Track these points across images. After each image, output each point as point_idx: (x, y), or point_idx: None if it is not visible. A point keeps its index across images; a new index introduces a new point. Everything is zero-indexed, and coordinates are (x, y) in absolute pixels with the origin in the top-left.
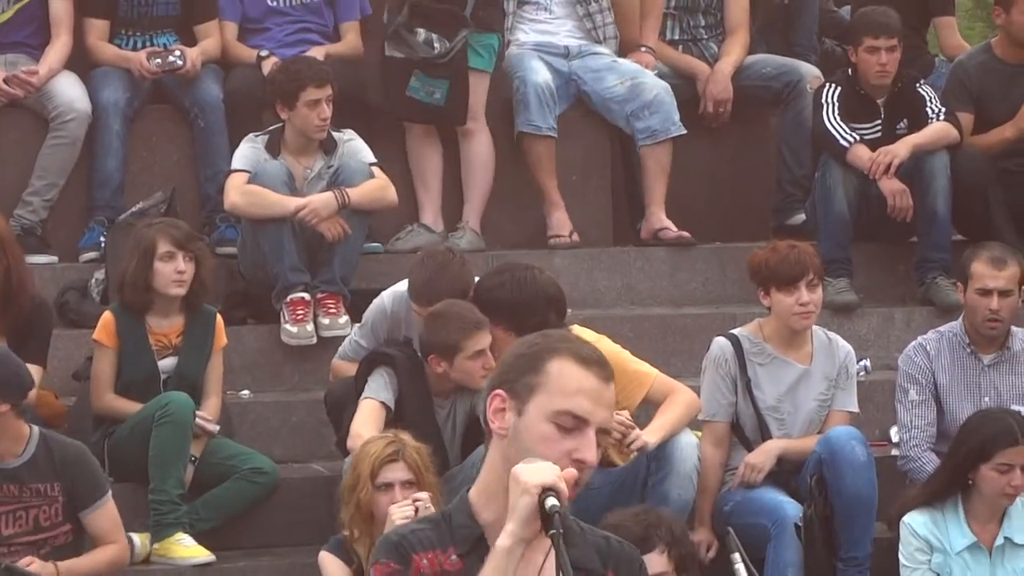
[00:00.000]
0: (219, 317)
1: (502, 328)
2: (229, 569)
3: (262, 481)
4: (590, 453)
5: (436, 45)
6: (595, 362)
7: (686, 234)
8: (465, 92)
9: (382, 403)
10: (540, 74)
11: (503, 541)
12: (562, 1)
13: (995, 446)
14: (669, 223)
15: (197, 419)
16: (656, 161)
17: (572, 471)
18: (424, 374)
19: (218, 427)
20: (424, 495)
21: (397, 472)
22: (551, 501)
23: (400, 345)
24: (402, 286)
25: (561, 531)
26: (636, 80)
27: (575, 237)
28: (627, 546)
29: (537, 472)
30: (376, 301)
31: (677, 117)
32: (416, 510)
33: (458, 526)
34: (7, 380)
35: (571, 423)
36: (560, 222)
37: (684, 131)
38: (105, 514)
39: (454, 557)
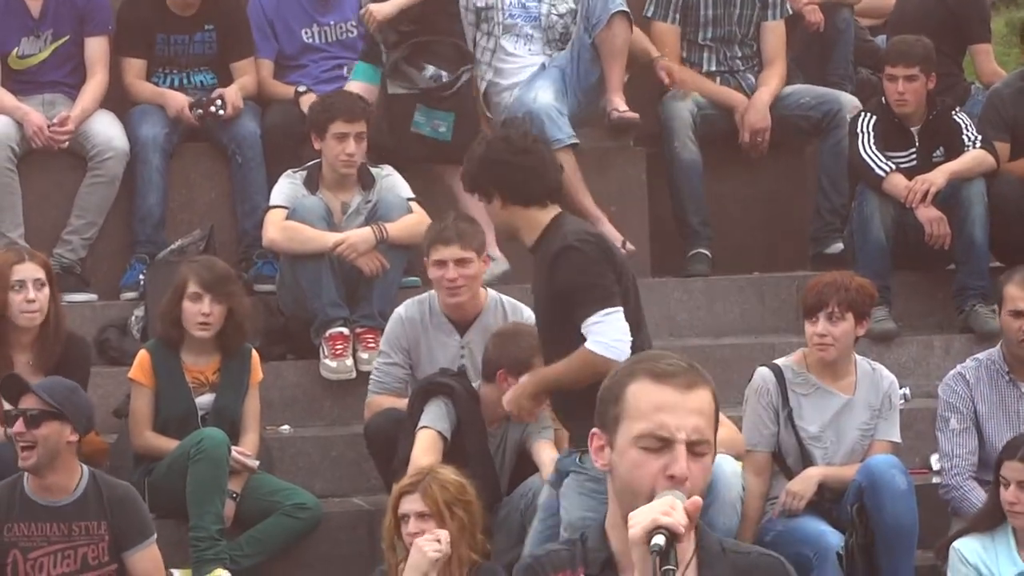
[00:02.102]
0: (255, 353)
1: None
2: None
3: (305, 516)
4: (679, 467)
5: (443, 77)
6: (673, 374)
7: (633, 114)
8: (472, 126)
9: (439, 433)
10: (540, 96)
11: None
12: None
13: (1001, 459)
14: (620, 104)
15: (236, 454)
16: (608, 47)
17: (696, 500)
18: (478, 404)
19: (258, 462)
20: (443, 532)
21: (411, 504)
22: (654, 540)
23: (456, 376)
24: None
25: (675, 568)
26: None
27: (629, 246)
28: (770, 557)
29: (640, 519)
30: (393, 317)
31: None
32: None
33: (591, 549)
34: (79, 410)
35: (656, 444)
36: (611, 234)
37: (625, 8)
38: (148, 556)
39: None
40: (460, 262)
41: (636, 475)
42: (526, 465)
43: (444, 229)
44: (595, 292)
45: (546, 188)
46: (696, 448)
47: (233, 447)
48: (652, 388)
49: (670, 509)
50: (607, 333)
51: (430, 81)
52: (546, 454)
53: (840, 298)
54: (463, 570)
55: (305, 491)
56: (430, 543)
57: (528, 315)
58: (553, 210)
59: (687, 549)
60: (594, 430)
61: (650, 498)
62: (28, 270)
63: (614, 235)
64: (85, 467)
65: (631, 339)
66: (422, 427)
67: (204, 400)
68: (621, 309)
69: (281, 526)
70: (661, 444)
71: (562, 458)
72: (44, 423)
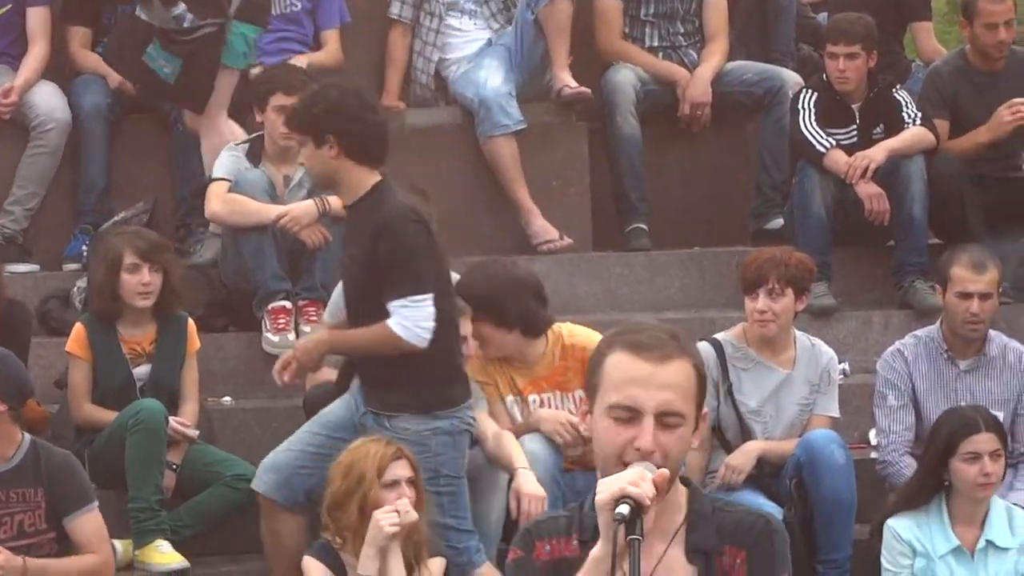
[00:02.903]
0: (191, 322)
1: (487, 323)
2: (210, 575)
3: (244, 488)
4: (644, 440)
5: (186, 22)
6: (649, 346)
7: (585, 89)
8: (204, 80)
9: None
10: (491, 80)
11: (594, 553)
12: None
13: (959, 436)
14: (569, 80)
15: (175, 424)
16: (552, 23)
17: (664, 472)
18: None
19: (197, 432)
20: (405, 501)
21: (403, 469)
22: (618, 509)
23: None
24: None
25: (640, 538)
26: None
27: (567, 239)
28: (759, 518)
29: (608, 486)
30: (336, 289)
31: None
32: (398, 513)
33: (587, 515)
34: (7, 380)
35: (625, 415)
36: (545, 228)
37: None
38: (88, 523)
39: (575, 543)
40: None
41: (607, 443)
42: None
43: None
44: (412, 275)
45: (383, 152)
46: (666, 420)
47: (172, 418)
48: (627, 360)
49: (639, 480)
50: (413, 318)
51: (172, 20)
52: (483, 424)
53: (780, 274)
54: (415, 539)
55: (245, 462)
56: (387, 516)
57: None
58: (377, 176)
59: (650, 519)
60: (583, 396)
61: (622, 467)
62: None
63: (547, 229)
64: (27, 436)
65: (434, 325)
66: None
67: (141, 371)
68: (432, 296)
69: (221, 497)
70: (630, 415)
71: (370, 426)
72: None
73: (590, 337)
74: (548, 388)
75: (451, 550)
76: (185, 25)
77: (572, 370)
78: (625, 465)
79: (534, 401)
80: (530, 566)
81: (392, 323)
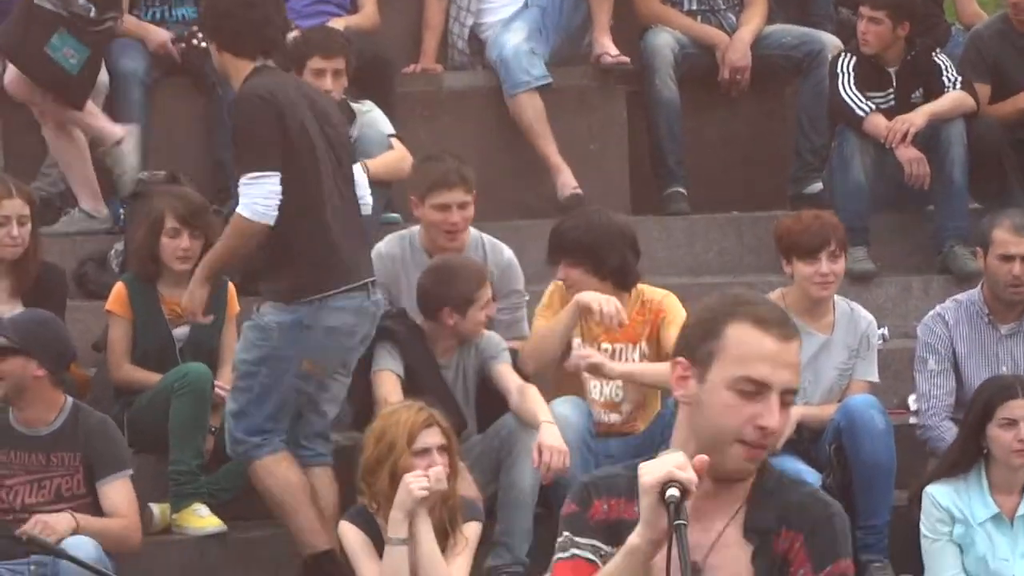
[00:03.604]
0: (231, 285)
1: (582, 269)
2: (248, 539)
3: None
4: (773, 419)
5: (91, 12)
6: (775, 323)
7: (625, 58)
8: (95, 73)
9: (396, 373)
10: (512, 38)
11: (633, 539)
12: None
13: (996, 402)
14: (610, 47)
15: (216, 388)
16: None
17: (704, 457)
18: (424, 340)
19: None
20: (439, 469)
21: (434, 437)
22: (670, 492)
23: (395, 317)
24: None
25: (686, 523)
26: None
27: (578, 190)
28: (822, 502)
29: (654, 470)
30: (372, 253)
31: None
32: (428, 478)
33: None
34: (47, 345)
35: (752, 388)
36: (565, 183)
37: None
38: (119, 488)
39: (637, 509)
40: (462, 205)
41: (727, 416)
42: (493, 393)
43: (447, 172)
44: (252, 151)
45: (260, 44)
46: (786, 398)
47: (214, 382)
48: (755, 334)
49: (685, 464)
50: (253, 195)
51: (81, 8)
52: (506, 376)
53: (839, 236)
54: (450, 504)
55: None
56: (418, 480)
57: (508, 255)
58: (260, 62)
59: (706, 528)
60: (679, 359)
61: (736, 444)
62: (14, 206)
63: (569, 183)
64: (70, 400)
65: (278, 202)
66: (379, 370)
67: (180, 332)
68: (276, 175)
69: None
70: (756, 390)
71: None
72: (7, 358)
73: (666, 296)
74: (622, 339)
75: (230, 437)
76: (91, 15)
77: (645, 323)
78: (741, 442)
79: (607, 349)
80: (584, 523)
81: (238, 208)
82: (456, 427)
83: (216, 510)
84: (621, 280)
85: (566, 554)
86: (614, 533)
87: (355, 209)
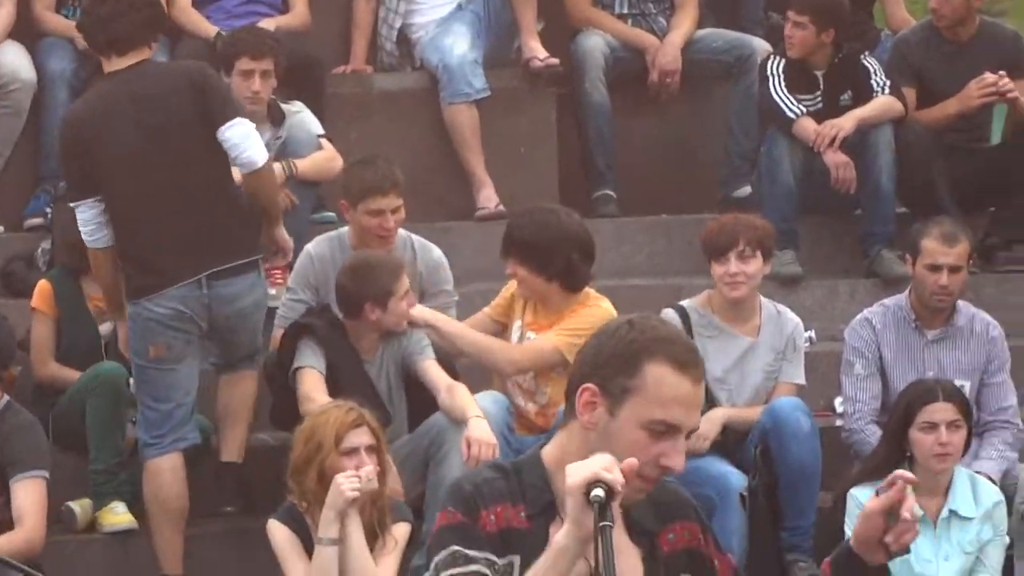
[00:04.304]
0: None
1: (528, 268)
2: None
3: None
4: (678, 461)
5: None
6: (691, 364)
7: (554, 60)
8: None
9: (318, 370)
10: (457, 46)
11: (560, 539)
12: None
13: (917, 406)
14: (539, 50)
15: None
16: None
17: (633, 461)
18: (346, 336)
19: None
20: (369, 468)
21: (362, 437)
22: (595, 492)
23: (317, 313)
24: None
25: (612, 524)
26: None
27: (500, 207)
28: (684, 495)
29: (580, 470)
30: (301, 253)
31: None
32: (359, 479)
33: (529, 485)
34: None
35: (664, 429)
36: (487, 197)
37: None
38: (29, 489)
39: (523, 515)
40: (395, 210)
41: (633, 453)
42: (419, 388)
43: (381, 178)
44: (66, 183)
45: (105, 41)
46: (688, 435)
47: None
48: (674, 377)
49: (612, 465)
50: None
51: None
52: (433, 372)
53: (750, 236)
54: (379, 505)
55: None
56: (349, 480)
57: (437, 255)
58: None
59: (616, 510)
60: (589, 385)
61: (637, 475)
62: None
63: (489, 199)
64: (6, 397)
65: (93, 228)
66: (300, 367)
67: (106, 328)
68: (85, 202)
69: None
70: (667, 431)
71: None
72: None
73: (597, 308)
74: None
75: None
76: None
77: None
78: (641, 477)
79: (531, 337)
80: (475, 535)
81: None
82: (381, 422)
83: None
84: (568, 282)
85: (461, 570)
86: (504, 542)
87: (204, 186)
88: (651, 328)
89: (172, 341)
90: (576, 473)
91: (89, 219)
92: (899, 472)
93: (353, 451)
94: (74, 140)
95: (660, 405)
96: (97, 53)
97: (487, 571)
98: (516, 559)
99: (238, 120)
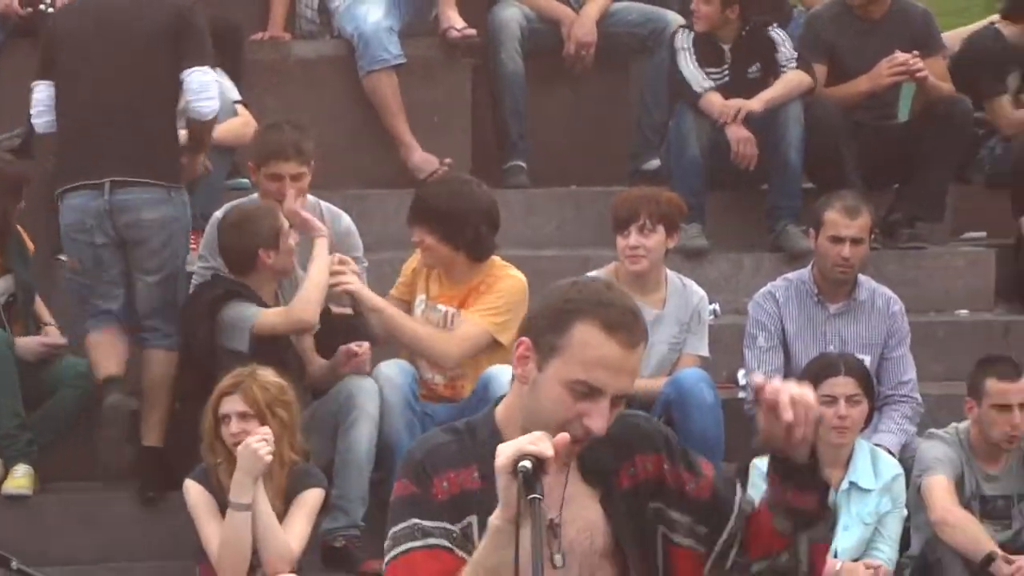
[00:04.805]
0: (20, 229)
1: (436, 236)
2: (80, 500)
3: (84, 384)
4: (600, 423)
5: None
6: (623, 327)
7: (471, 31)
8: None
9: None
10: (371, 14)
11: (494, 521)
12: None
13: (818, 379)
14: (456, 21)
15: (44, 342)
16: None
17: (564, 435)
18: (252, 291)
19: (65, 340)
20: (265, 429)
21: (233, 404)
22: (521, 464)
23: (210, 285)
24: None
25: (540, 496)
26: None
27: (447, 160)
28: (642, 419)
29: (506, 449)
30: (211, 220)
31: None
32: (268, 443)
33: (482, 442)
34: None
35: (586, 390)
36: (426, 160)
37: None
38: None
39: (475, 475)
40: (296, 177)
41: (556, 409)
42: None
43: (283, 144)
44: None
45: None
46: (617, 401)
47: (41, 339)
48: (600, 337)
49: (537, 440)
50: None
51: None
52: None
53: (651, 210)
54: (283, 471)
55: (86, 360)
56: (262, 444)
57: (347, 222)
58: None
59: (554, 483)
60: (524, 338)
61: (559, 429)
62: None
63: (427, 160)
64: None
65: (46, 106)
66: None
67: (5, 284)
68: (43, 82)
69: (66, 400)
70: (590, 392)
71: None
72: None
73: (508, 278)
74: (456, 304)
75: None
76: None
77: (478, 292)
78: (561, 428)
79: (440, 310)
80: (429, 505)
81: None
82: (295, 371)
83: (54, 468)
84: (474, 251)
85: (421, 543)
86: (459, 507)
87: (142, 106)
88: (592, 291)
89: (81, 254)
90: (502, 453)
91: (41, 100)
92: (754, 380)
93: (225, 417)
94: (54, 24)
95: (583, 366)
96: None
97: (445, 541)
98: (474, 519)
99: (201, 68)
